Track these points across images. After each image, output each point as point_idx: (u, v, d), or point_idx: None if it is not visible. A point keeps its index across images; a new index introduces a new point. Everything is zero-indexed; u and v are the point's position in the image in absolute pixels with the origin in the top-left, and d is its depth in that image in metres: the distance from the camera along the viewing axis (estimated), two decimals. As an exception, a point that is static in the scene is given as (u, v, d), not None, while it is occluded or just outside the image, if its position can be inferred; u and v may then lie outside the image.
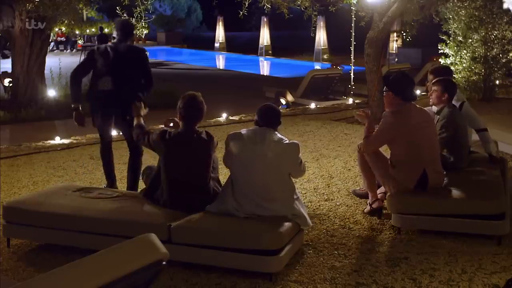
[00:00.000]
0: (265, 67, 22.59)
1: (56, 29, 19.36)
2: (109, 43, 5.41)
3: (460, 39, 11.42)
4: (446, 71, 5.62)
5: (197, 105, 4.12)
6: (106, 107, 5.20)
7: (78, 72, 5.19)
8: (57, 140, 7.89)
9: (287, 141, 3.98)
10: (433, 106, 5.10)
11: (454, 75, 5.65)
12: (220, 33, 27.58)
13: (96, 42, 20.73)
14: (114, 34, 5.29)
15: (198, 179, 4.10)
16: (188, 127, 4.12)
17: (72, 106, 5.19)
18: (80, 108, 5.19)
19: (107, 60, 5.12)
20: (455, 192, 4.36)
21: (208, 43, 29.49)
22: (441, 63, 11.58)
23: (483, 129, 5.19)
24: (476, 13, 11.05)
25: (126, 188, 5.38)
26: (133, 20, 7.86)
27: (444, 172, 4.56)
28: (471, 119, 5.17)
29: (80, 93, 5.24)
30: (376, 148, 4.66)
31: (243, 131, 4.06)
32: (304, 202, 4.87)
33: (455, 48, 11.50)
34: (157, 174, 4.20)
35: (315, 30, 16.11)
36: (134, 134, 4.50)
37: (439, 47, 11.79)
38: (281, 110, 4.69)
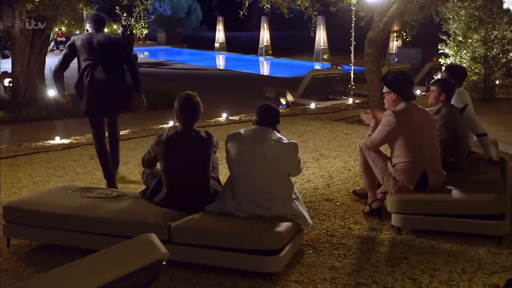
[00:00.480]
0: (265, 67, 22.58)
1: (56, 29, 19.35)
2: (85, 34, 5.61)
3: (460, 39, 11.42)
4: (459, 69, 5.71)
5: (194, 105, 4.13)
6: (105, 96, 5.41)
7: (62, 66, 5.45)
8: (57, 140, 7.90)
9: (286, 141, 3.98)
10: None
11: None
12: (220, 33, 27.56)
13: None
14: (87, 27, 5.61)
15: (198, 178, 4.10)
16: (186, 127, 4.13)
17: (60, 95, 5.60)
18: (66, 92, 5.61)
19: (92, 50, 5.34)
20: (455, 192, 4.36)
21: (208, 43, 29.47)
22: (441, 63, 11.60)
23: (482, 134, 5.21)
24: (476, 13, 11.05)
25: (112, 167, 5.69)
26: (133, 20, 7.87)
27: (444, 173, 4.56)
28: (471, 124, 5.19)
29: (64, 84, 5.57)
30: (377, 147, 4.67)
31: (242, 131, 4.06)
32: (304, 202, 4.87)
33: (455, 48, 11.49)
34: (161, 177, 4.20)
35: (315, 30, 16.09)
36: (142, 163, 4.52)
37: (439, 47, 11.78)
38: (281, 110, 4.70)
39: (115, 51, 5.44)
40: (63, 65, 5.44)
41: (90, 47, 5.33)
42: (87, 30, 5.61)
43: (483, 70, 11.40)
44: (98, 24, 5.51)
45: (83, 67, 5.33)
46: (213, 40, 28.33)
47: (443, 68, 5.70)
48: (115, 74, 5.41)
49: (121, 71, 5.47)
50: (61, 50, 26.39)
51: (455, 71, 5.56)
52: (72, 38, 5.54)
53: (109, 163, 5.60)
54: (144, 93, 5.69)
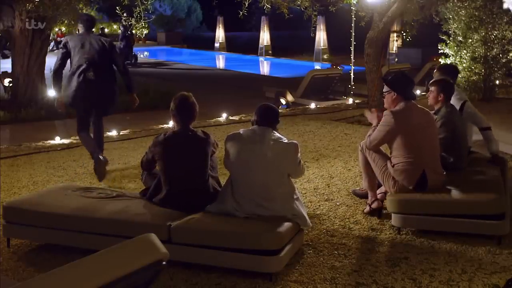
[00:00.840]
0: (265, 67, 22.59)
1: (56, 29, 19.36)
2: (78, 34, 5.84)
3: (460, 39, 11.42)
4: (451, 68, 5.71)
5: (190, 105, 4.16)
6: (95, 96, 5.65)
7: (61, 64, 5.64)
8: (57, 140, 7.89)
9: (286, 141, 3.98)
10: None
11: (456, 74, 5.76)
12: (220, 33, 27.58)
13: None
14: (79, 27, 5.83)
15: (197, 177, 4.10)
16: (183, 127, 4.14)
17: (57, 97, 5.80)
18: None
19: (84, 52, 5.55)
20: (455, 192, 4.36)
21: (208, 43, 29.49)
22: (442, 63, 11.60)
23: (486, 128, 5.18)
24: (476, 13, 11.05)
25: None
26: (133, 20, 7.88)
27: (444, 173, 4.56)
28: (474, 118, 5.17)
29: (61, 85, 5.76)
30: (377, 147, 4.67)
31: (242, 131, 4.06)
32: (304, 202, 4.88)
33: (455, 48, 11.49)
34: (160, 178, 4.20)
35: (315, 30, 16.10)
36: (141, 165, 4.53)
37: (439, 47, 11.79)
38: (280, 110, 4.70)
39: (106, 54, 5.62)
40: (63, 63, 5.63)
41: (82, 49, 5.55)
42: (79, 31, 5.82)
43: (483, 70, 11.40)
44: (89, 25, 5.70)
45: (75, 67, 5.55)
46: (213, 40, 28.34)
47: (435, 69, 5.66)
48: (105, 77, 5.63)
49: (111, 74, 5.68)
50: (61, 50, 26.61)
51: (449, 71, 5.51)
52: (65, 38, 5.78)
53: (92, 139, 5.86)
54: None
